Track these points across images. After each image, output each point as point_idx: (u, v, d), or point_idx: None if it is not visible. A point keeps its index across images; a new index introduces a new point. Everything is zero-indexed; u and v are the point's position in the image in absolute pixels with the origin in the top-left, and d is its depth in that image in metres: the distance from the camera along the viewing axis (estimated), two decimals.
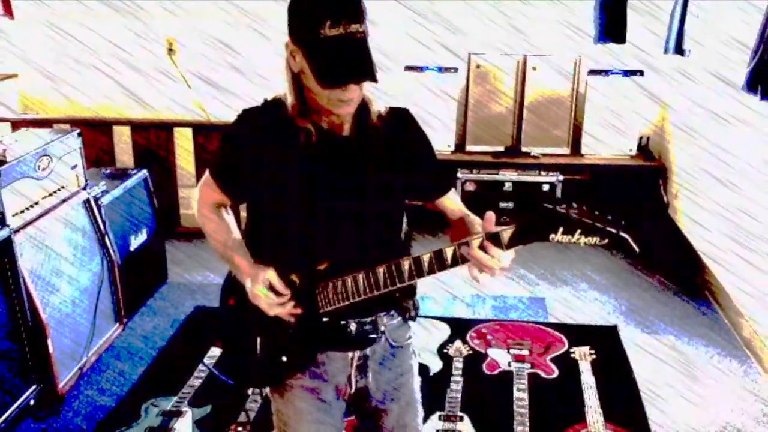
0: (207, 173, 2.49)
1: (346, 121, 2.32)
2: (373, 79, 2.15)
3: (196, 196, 2.54)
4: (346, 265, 2.31)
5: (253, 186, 2.36)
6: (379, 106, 2.35)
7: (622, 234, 2.05)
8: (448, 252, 2.20)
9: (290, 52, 2.22)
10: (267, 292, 2.30)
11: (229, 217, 2.54)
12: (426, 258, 2.22)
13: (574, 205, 2.08)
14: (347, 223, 2.35)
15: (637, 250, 2.05)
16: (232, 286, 2.53)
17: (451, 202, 2.59)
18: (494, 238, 2.13)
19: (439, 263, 2.21)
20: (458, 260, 2.19)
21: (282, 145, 2.29)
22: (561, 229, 2.07)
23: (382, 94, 2.35)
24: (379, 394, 2.56)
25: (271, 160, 2.30)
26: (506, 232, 2.13)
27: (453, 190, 2.60)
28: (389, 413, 2.58)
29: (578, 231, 2.06)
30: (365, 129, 2.34)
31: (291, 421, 2.50)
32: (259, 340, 2.48)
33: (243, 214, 2.55)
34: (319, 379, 2.47)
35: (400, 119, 2.43)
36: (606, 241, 2.06)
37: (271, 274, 2.30)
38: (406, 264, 2.24)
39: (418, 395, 2.67)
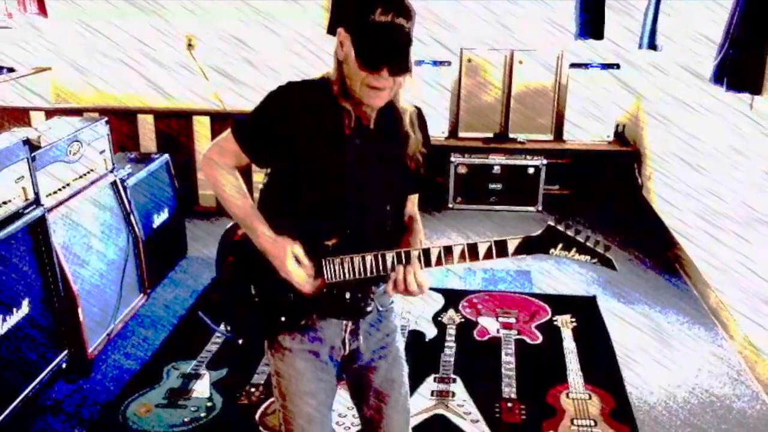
0: (227, 134, 2.35)
1: (371, 114, 2.29)
2: (405, 70, 2.14)
3: (211, 156, 2.39)
4: (352, 244, 2.28)
5: (287, 155, 2.26)
6: (412, 111, 2.36)
7: (608, 255, 2.21)
8: (456, 249, 2.23)
9: (340, 41, 2.17)
10: (299, 269, 2.27)
11: (242, 183, 2.42)
12: (435, 251, 2.24)
13: (571, 224, 2.21)
14: (362, 203, 2.32)
15: (617, 270, 2.25)
16: (228, 248, 2.49)
17: (413, 201, 2.58)
18: (501, 246, 2.21)
19: (446, 257, 2.25)
20: (465, 258, 2.24)
21: (325, 123, 2.24)
22: (560, 246, 2.21)
23: None
24: (369, 354, 2.54)
25: (312, 134, 2.23)
26: (513, 241, 2.20)
27: None
28: (378, 369, 2.57)
29: (574, 249, 2.20)
30: (391, 128, 2.32)
31: (293, 380, 2.47)
32: (257, 299, 2.44)
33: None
34: (318, 342, 2.44)
35: (421, 124, 2.41)
36: (595, 259, 2.22)
37: (297, 249, 2.26)
38: (414, 254, 2.24)
39: (402, 353, 2.66)
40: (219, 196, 2.41)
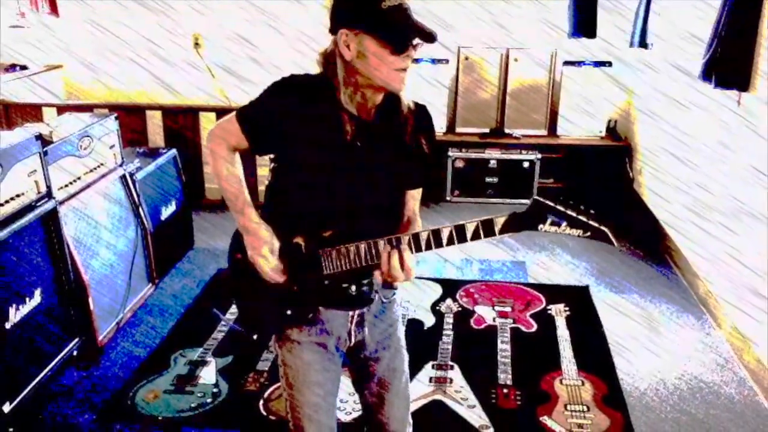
0: (232, 117, 2.34)
1: (371, 109, 2.26)
2: (435, 35, 2.09)
3: (215, 135, 2.38)
4: (349, 235, 2.25)
5: (285, 146, 2.25)
6: (408, 101, 2.29)
7: (602, 227, 2.01)
8: (444, 232, 2.14)
9: (343, 42, 2.12)
10: (272, 257, 2.29)
11: (240, 166, 2.40)
12: (424, 235, 2.18)
13: (561, 199, 2.05)
14: (359, 198, 2.29)
15: (615, 243, 2.01)
16: (239, 243, 2.46)
17: (414, 196, 2.50)
18: (488, 224, 2.10)
19: (436, 241, 2.17)
20: (454, 240, 2.15)
21: (325, 121, 2.20)
22: (549, 221, 2.04)
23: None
24: (373, 344, 2.54)
25: (310, 131, 2.20)
26: (500, 219, 2.10)
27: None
28: (381, 360, 2.56)
29: (564, 223, 2.02)
30: (391, 118, 2.28)
31: (301, 371, 2.46)
32: (266, 291, 2.42)
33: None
34: (325, 334, 2.43)
35: (423, 114, 2.37)
36: (588, 233, 2.01)
37: (275, 244, 2.29)
38: (405, 239, 2.19)
39: (404, 342, 2.65)
40: (215, 174, 2.39)
